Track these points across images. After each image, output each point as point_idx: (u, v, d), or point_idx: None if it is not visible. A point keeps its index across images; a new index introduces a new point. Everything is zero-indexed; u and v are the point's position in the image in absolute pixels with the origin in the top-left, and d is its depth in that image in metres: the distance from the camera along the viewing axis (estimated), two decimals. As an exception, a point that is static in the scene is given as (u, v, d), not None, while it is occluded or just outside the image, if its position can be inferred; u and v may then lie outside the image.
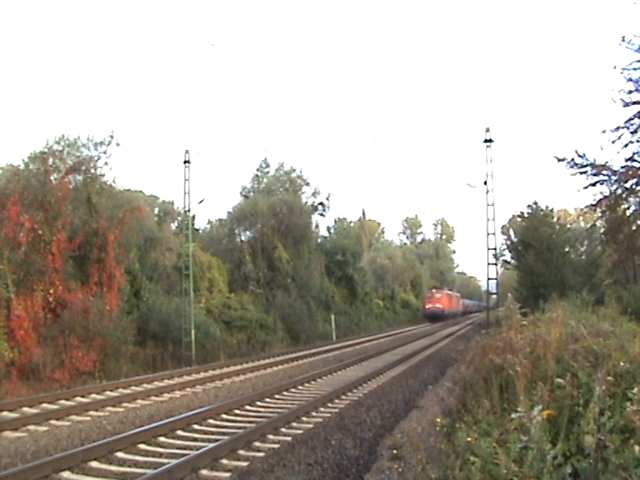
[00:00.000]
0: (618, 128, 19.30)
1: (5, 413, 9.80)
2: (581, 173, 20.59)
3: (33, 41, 74.00)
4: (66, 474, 6.55)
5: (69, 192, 20.62)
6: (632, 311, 11.04)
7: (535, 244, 30.21)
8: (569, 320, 7.05)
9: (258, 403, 10.92)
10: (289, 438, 8.07)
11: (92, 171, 23.47)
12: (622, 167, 20.13)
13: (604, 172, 20.44)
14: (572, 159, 20.43)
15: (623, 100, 18.92)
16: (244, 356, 20.36)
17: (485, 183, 27.84)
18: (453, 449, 4.05)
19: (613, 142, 19.54)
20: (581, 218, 44.50)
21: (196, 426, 8.94)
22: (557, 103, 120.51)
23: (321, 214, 45.29)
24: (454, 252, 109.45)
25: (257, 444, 7.85)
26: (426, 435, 7.15)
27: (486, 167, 25.96)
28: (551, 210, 34.02)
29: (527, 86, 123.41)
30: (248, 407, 10.53)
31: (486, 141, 28.07)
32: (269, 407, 10.66)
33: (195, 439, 8.26)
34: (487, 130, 27.40)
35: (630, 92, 18.86)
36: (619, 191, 20.92)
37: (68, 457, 6.92)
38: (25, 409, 10.23)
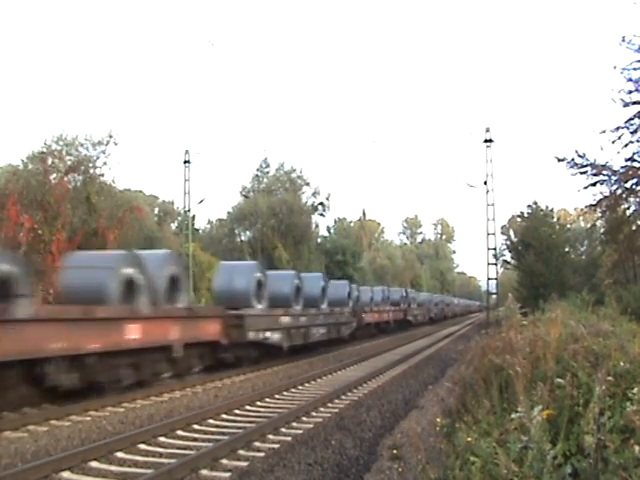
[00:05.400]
0: (618, 128, 19.32)
1: (5, 413, 9.79)
2: (581, 173, 20.60)
3: (32, 41, 73.99)
4: (66, 474, 6.55)
5: (68, 192, 20.66)
6: (632, 311, 11.03)
7: (535, 244, 30.23)
8: (569, 320, 7.05)
9: (258, 403, 10.92)
10: (289, 438, 8.07)
11: (91, 171, 23.53)
12: (622, 167, 20.15)
13: (604, 172, 20.44)
14: (572, 159, 20.44)
15: (623, 100, 18.94)
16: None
17: (485, 183, 27.85)
18: (453, 449, 4.05)
19: (613, 142, 19.57)
20: (581, 218, 44.51)
21: (196, 426, 8.94)
22: (557, 103, 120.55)
23: (321, 214, 45.46)
24: (454, 252, 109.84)
25: (257, 444, 7.85)
26: (426, 435, 7.15)
27: (486, 167, 25.95)
28: (551, 210, 34.07)
29: (527, 86, 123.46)
30: (248, 407, 10.53)
31: (486, 141, 28.06)
32: (269, 407, 10.66)
33: (195, 439, 8.26)
34: (487, 130, 27.39)
35: (630, 92, 18.88)
36: (619, 191, 20.92)
37: (68, 457, 6.91)
38: (25, 409, 10.22)
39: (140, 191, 38.20)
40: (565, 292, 19.49)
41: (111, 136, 24.46)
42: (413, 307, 39.20)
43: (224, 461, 7.01)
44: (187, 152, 32.04)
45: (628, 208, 22.32)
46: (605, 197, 21.25)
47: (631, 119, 19.20)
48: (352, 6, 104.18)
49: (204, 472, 6.59)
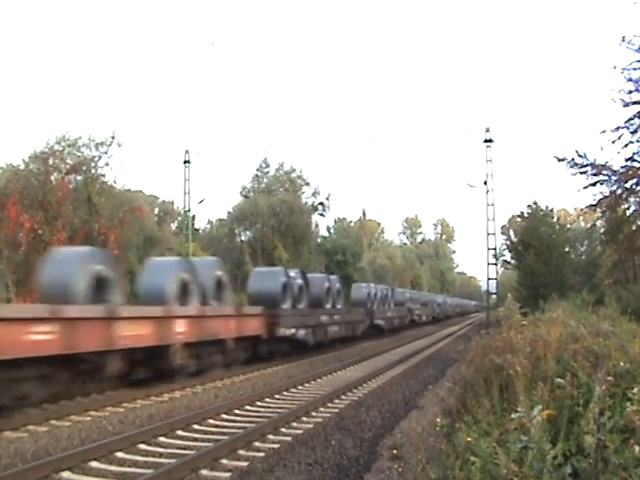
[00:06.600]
0: (618, 128, 19.31)
1: (5, 413, 9.78)
2: (581, 173, 20.59)
3: (34, 41, 74.03)
4: (66, 474, 6.55)
5: (69, 192, 20.69)
6: (632, 311, 11.04)
7: (535, 244, 30.22)
8: (569, 320, 7.05)
9: (258, 403, 10.92)
10: (289, 438, 8.07)
11: (92, 171, 23.52)
12: (622, 167, 20.14)
13: (604, 172, 20.43)
14: (572, 159, 20.43)
15: (623, 100, 18.95)
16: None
17: (485, 183, 27.89)
18: (453, 449, 4.05)
19: (613, 142, 19.57)
20: (581, 218, 44.53)
21: (196, 426, 8.94)
22: (557, 103, 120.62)
23: (321, 214, 45.41)
24: (454, 252, 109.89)
25: (257, 444, 7.85)
26: (426, 435, 7.15)
27: (486, 167, 25.96)
28: (551, 210, 34.04)
29: (527, 86, 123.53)
30: (248, 407, 10.53)
31: (486, 141, 28.08)
32: (269, 407, 10.66)
33: (195, 439, 8.26)
34: (487, 130, 27.42)
35: (630, 92, 18.88)
36: (619, 191, 20.91)
37: (68, 457, 6.91)
38: (25, 409, 10.21)
39: (140, 191, 38.16)
40: (565, 292, 19.49)
41: (113, 137, 24.47)
42: (323, 312, 21.02)
43: (224, 461, 7.01)
44: (187, 152, 32.10)
45: (628, 208, 22.33)
46: (605, 197, 21.25)
47: (631, 119, 19.21)
48: (352, 6, 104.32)
49: (204, 472, 6.59)
